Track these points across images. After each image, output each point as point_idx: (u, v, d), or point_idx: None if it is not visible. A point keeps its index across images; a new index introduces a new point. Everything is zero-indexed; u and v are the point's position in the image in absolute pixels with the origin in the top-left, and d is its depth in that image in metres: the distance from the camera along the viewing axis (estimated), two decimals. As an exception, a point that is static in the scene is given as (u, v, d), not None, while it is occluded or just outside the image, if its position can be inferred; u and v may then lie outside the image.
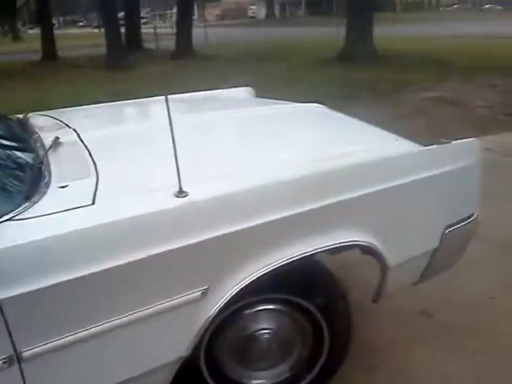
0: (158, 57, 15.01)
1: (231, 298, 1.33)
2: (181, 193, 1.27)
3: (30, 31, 34.21)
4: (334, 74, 9.63)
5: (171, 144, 1.21)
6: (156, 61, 13.90)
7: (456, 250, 1.84)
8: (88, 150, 1.61)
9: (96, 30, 31.58)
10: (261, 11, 49.49)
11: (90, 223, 1.17)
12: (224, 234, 1.28)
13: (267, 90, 8.26)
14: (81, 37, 26.27)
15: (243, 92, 2.96)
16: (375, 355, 2.01)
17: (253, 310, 1.53)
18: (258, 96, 2.99)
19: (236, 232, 1.29)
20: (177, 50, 14.82)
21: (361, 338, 1.99)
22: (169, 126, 1.21)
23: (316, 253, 1.42)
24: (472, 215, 1.80)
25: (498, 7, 39.85)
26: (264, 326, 1.57)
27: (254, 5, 52.38)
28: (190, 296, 1.27)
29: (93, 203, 1.24)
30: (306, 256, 1.41)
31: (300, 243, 1.40)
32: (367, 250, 1.57)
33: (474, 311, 2.28)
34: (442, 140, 1.71)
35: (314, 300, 1.56)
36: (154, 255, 1.20)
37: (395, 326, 2.20)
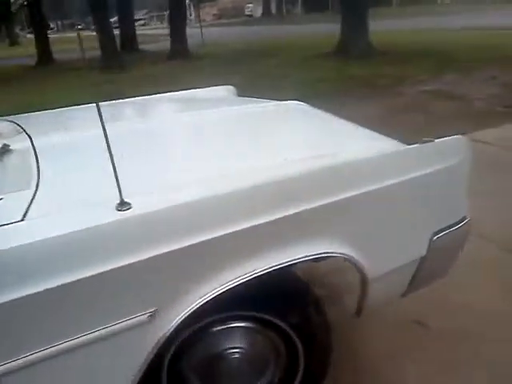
0: (154, 58, 14.88)
1: (186, 318, 1.18)
2: (122, 205, 1.12)
3: (29, 35, 34.14)
4: (328, 69, 9.47)
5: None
6: (151, 62, 13.77)
7: (447, 258, 1.68)
8: (36, 159, 1.47)
9: (94, 33, 31.50)
10: (257, 9, 49.28)
11: (15, 243, 1.02)
12: (172, 251, 1.13)
13: (260, 86, 8.26)
14: (77, 40, 26.11)
15: (223, 91, 2.82)
16: (364, 373, 1.86)
17: (218, 329, 1.38)
18: (243, 94, 2.85)
19: (187, 248, 1.14)
20: (172, 50, 14.67)
21: (348, 355, 1.84)
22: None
23: (282, 267, 1.27)
24: (463, 219, 1.64)
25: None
26: (232, 345, 1.42)
27: (250, 3, 52.19)
28: (135, 320, 1.12)
29: (22, 219, 1.09)
30: (271, 270, 1.25)
31: (263, 257, 1.25)
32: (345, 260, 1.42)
33: (470, 317, 2.12)
34: (424, 139, 1.55)
35: (285, 317, 1.40)
36: (89, 277, 1.05)
37: (386, 338, 2.04)
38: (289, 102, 2.19)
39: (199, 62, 13.02)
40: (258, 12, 48.87)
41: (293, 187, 1.27)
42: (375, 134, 1.74)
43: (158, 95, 2.70)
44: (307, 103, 2.28)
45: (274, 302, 1.39)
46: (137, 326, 1.13)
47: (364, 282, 1.44)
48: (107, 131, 1.11)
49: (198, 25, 22.86)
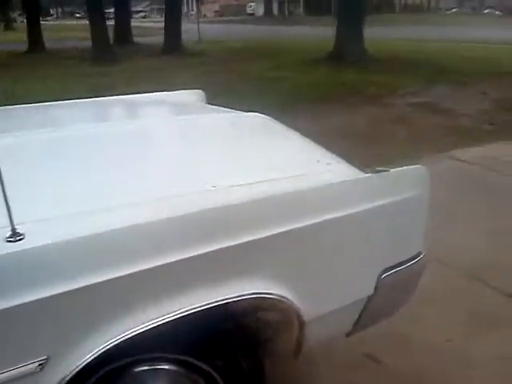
0: (147, 52, 14.69)
1: (85, 366, 1.05)
2: (14, 236, 0.98)
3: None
4: (319, 74, 9.35)
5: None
6: (143, 56, 13.58)
7: (398, 297, 1.56)
8: None
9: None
10: (259, 9, 49.10)
11: None
12: (70, 291, 0.99)
13: (245, 89, 8.12)
14: (75, 28, 25.86)
15: (191, 95, 2.67)
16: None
17: (135, 371, 1.24)
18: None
19: (89, 287, 1.01)
20: (165, 45, 14.50)
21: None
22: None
23: (203, 309, 1.14)
24: (418, 255, 1.52)
25: (497, 12, 39.65)
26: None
27: (252, 2, 51.98)
28: (21, 370, 0.98)
29: None
30: (190, 313, 1.12)
31: (183, 297, 1.12)
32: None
33: (426, 355, 2.01)
34: (378, 168, 1.43)
35: (210, 359, 1.27)
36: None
37: (333, 377, 1.91)
38: (250, 114, 2.05)
39: (192, 58, 12.85)
40: (260, 11, 48.72)
41: (215, 220, 1.13)
42: (331, 158, 1.61)
43: (117, 97, 2.56)
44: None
45: (197, 344, 1.26)
46: (25, 376, 0.99)
47: (300, 323, 1.31)
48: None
49: (200, 20, 22.67)
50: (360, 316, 1.46)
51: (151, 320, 1.08)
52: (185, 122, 1.83)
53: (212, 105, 2.46)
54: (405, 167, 1.45)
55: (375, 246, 1.40)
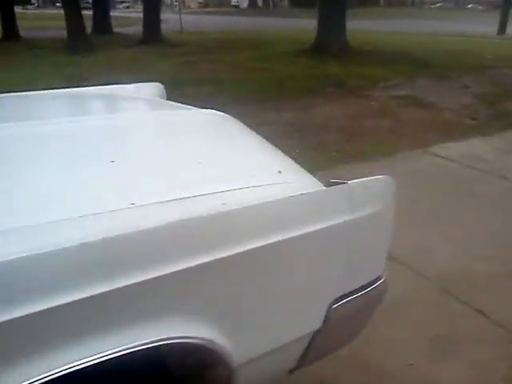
0: (126, 42, 14.24)
1: None
2: None
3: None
4: (302, 66, 9.09)
5: None
6: (121, 46, 13.14)
7: (351, 327, 1.32)
8: None
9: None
10: (244, 0, 48.57)
11: None
12: None
13: (224, 79, 7.84)
14: (55, 18, 25.13)
15: (148, 89, 2.41)
16: None
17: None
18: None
19: None
20: (144, 35, 14.08)
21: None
22: None
23: (111, 358, 0.88)
24: (377, 280, 1.27)
25: (480, 7, 39.84)
26: None
27: (237, -7, 51.42)
28: None
29: None
30: (96, 362, 0.86)
31: (85, 345, 0.85)
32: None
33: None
34: (332, 180, 1.17)
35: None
36: None
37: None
38: (205, 111, 1.77)
39: (171, 48, 12.47)
40: (245, 3, 48.26)
41: (124, 248, 0.87)
42: (286, 166, 1.33)
43: (68, 90, 2.30)
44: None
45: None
46: None
47: (230, 368, 1.05)
48: None
49: (183, 11, 22.15)
50: (306, 351, 1.21)
51: (47, 372, 0.82)
52: (123, 121, 1.53)
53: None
54: (366, 178, 1.18)
55: (325, 272, 1.15)
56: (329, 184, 1.15)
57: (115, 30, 17.96)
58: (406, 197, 3.22)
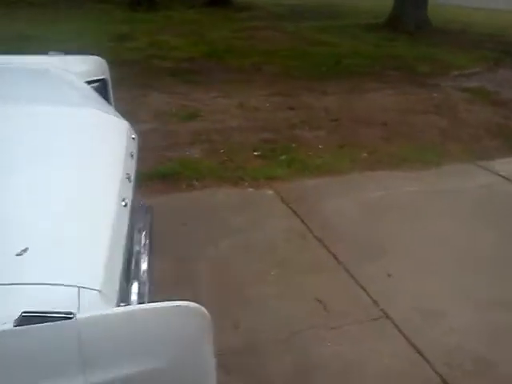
0: (190, 2, 13.68)
1: None
2: None
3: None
4: (366, 42, 8.13)
5: None
6: (185, 6, 12.62)
7: None
8: None
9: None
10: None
11: None
12: None
13: (277, 52, 7.10)
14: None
15: (79, 62, 2.00)
16: None
17: None
18: None
19: None
20: (212, -5, 13.44)
21: None
22: None
23: None
24: None
25: None
26: None
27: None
28: None
29: None
30: None
31: None
32: None
33: None
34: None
35: None
36: None
37: None
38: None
39: (238, 12, 11.82)
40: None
41: None
42: None
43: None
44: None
45: None
46: None
47: None
48: None
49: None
50: None
51: None
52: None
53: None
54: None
55: None
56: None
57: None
58: (438, 233, 2.47)
